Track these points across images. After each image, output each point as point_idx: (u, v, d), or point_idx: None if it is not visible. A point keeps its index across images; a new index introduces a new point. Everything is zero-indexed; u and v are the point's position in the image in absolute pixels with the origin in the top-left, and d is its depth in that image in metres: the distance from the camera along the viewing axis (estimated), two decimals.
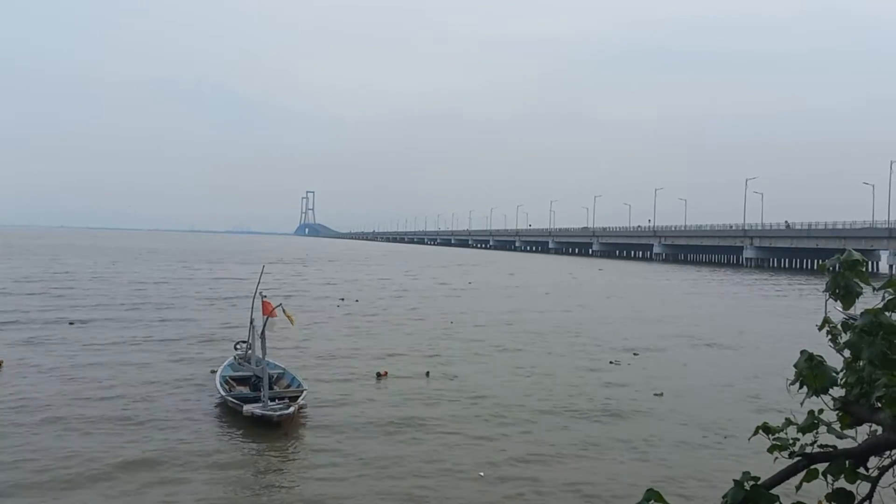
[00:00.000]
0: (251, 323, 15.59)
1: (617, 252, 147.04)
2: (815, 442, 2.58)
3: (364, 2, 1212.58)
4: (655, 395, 16.54)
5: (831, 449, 2.56)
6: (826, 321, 2.78)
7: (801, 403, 2.69)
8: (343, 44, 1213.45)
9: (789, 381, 2.70)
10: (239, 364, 16.36)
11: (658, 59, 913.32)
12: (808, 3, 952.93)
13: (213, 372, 16.35)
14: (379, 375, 17.75)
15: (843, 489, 2.52)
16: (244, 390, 14.99)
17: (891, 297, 2.64)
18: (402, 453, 11.96)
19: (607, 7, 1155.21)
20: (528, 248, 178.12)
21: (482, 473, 11.17)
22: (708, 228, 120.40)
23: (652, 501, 2.49)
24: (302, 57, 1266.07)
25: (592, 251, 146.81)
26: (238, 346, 17.40)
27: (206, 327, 25.33)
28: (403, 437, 12.89)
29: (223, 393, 14.50)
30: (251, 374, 15.36)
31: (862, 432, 2.60)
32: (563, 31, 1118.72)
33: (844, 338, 2.69)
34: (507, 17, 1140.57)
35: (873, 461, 2.54)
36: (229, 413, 13.84)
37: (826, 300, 2.85)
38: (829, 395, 2.66)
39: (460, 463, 11.61)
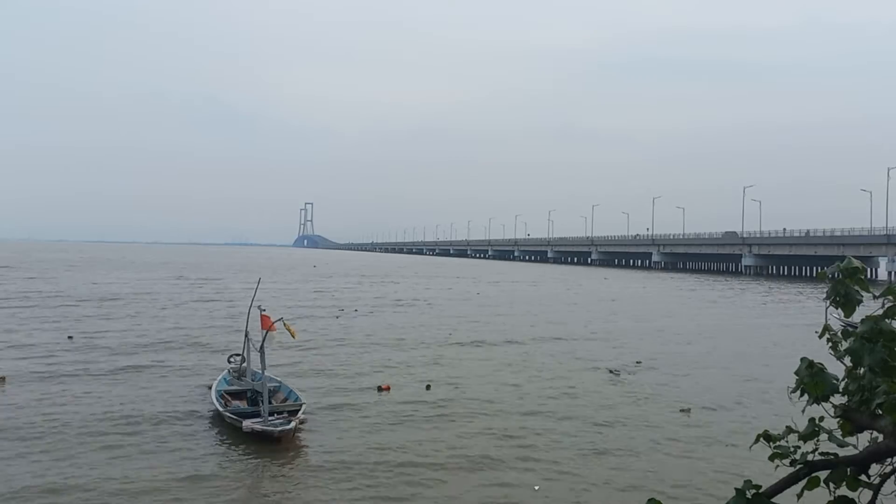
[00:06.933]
0: (246, 336, 15.52)
1: (616, 261, 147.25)
2: (816, 450, 2.57)
3: (363, 18, 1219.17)
4: (682, 410, 16.02)
5: (832, 457, 2.56)
6: (826, 329, 2.78)
7: (803, 411, 2.68)
8: (342, 59, 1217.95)
9: (790, 389, 2.70)
10: (234, 378, 16.19)
11: (656, 70, 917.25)
12: (804, 14, 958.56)
13: (209, 388, 16.21)
14: (380, 389, 17.65)
15: (844, 497, 2.51)
16: (241, 405, 14.87)
17: (891, 304, 2.63)
18: (411, 468, 11.81)
19: (606, 19, 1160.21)
20: (527, 257, 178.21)
21: (537, 487, 10.94)
22: (706, 237, 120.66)
23: None
24: (302, 71, 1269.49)
25: (591, 260, 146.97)
26: (232, 360, 17.27)
27: (212, 339, 25.31)
28: (409, 450, 12.77)
29: (220, 408, 14.34)
30: (247, 388, 15.23)
31: (863, 440, 2.60)
32: (562, 42, 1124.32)
33: (845, 345, 2.68)
34: (505, 30, 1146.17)
35: (875, 469, 2.53)
36: (227, 428, 13.74)
37: (826, 308, 2.85)
38: (830, 402, 2.66)
39: (479, 482, 11.27)
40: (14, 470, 11.15)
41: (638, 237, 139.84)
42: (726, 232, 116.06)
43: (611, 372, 20.54)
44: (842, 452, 2.57)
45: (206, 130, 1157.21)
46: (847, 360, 2.65)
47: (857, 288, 2.70)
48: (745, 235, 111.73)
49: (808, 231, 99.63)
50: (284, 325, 14.58)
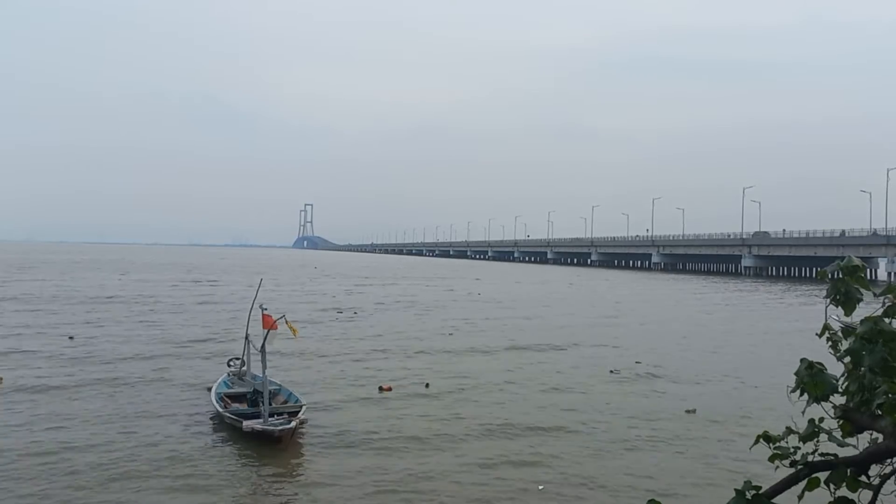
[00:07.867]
0: (246, 338, 15.47)
1: (615, 262, 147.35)
2: (816, 450, 2.56)
3: (363, 18, 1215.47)
4: (687, 412, 15.91)
5: (832, 457, 2.55)
6: (826, 328, 2.77)
7: (803, 412, 2.67)
8: (342, 58, 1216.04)
9: (790, 389, 2.69)
10: (233, 381, 16.15)
11: (657, 69, 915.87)
12: (805, 12, 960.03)
13: (208, 389, 16.17)
14: (381, 389, 17.61)
15: (844, 498, 2.50)
16: (241, 407, 14.86)
17: (891, 303, 2.63)
18: (412, 469, 11.77)
19: (607, 19, 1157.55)
20: (527, 258, 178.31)
21: (541, 487, 10.89)
22: (706, 237, 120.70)
23: None
24: (302, 71, 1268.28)
25: (591, 261, 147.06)
26: (231, 363, 17.24)
27: (211, 341, 25.29)
28: (411, 449, 12.76)
29: (220, 410, 14.32)
30: (247, 390, 15.20)
31: (863, 440, 2.59)
32: (563, 42, 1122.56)
33: (845, 345, 2.67)
34: (506, 29, 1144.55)
35: (875, 469, 2.52)
36: (227, 430, 13.72)
37: (826, 307, 2.86)
38: (830, 402, 2.65)
39: (483, 480, 11.23)
40: (9, 477, 11.11)
41: (637, 238, 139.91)
42: (756, 232, 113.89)
43: (611, 372, 20.54)
44: (842, 453, 2.56)
45: (206, 130, 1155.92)
46: (847, 360, 2.64)
47: (857, 286, 2.69)
48: (744, 236, 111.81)
49: (808, 232, 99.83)
50: (286, 322, 14.59)
